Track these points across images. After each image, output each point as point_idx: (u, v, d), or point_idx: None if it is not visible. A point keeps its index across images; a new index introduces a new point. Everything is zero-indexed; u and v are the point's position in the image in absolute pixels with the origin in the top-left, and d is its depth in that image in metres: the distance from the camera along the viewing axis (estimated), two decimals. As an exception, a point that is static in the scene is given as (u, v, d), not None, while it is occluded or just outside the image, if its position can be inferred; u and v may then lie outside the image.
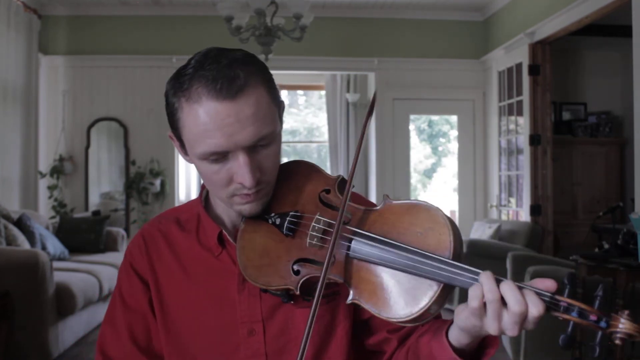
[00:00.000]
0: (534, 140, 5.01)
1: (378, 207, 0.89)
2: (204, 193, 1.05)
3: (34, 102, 5.47)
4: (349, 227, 0.87)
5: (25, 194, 5.33)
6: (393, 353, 0.97)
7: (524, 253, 3.60)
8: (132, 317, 1.00)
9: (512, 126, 5.49)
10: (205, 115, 0.83)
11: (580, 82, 6.45)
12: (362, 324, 1.00)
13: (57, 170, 5.69)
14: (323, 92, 6.92)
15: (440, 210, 0.83)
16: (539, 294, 0.72)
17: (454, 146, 6.74)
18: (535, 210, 5.01)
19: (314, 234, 0.89)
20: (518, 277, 3.07)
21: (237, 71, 0.84)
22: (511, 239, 4.85)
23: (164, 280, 0.99)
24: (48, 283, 3.33)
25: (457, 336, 0.81)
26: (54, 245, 4.42)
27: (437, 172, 7.87)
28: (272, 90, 0.89)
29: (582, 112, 6.37)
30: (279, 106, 0.93)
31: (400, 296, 0.80)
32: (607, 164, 6.18)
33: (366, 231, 0.85)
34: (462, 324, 0.78)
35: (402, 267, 0.80)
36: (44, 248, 4.22)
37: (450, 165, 7.15)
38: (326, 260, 0.83)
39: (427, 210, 0.84)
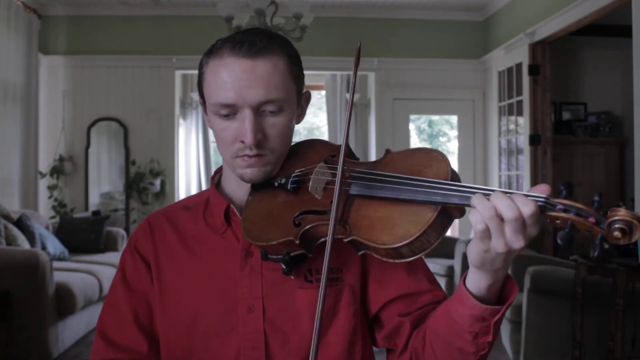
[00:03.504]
0: (534, 140, 5.01)
1: (380, 159, 0.93)
2: (217, 178, 1.09)
3: (34, 102, 5.47)
4: (352, 168, 0.90)
5: (25, 194, 5.33)
6: (407, 342, 0.96)
7: (523, 253, 3.60)
8: (136, 298, 1.01)
9: (512, 126, 5.49)
10: (223, 69, 0.92)
11: (580, 82, 6.45)
12: (374, 320, 1.00)
13: (57, 170, 5.69)
14: (323, 92, 6.92)
15: (440, 152, 0.86)
16: (532, 197, 0.73)
17: (454, 146, 6.74)
18: (535, 210, 5.00)
19: (318, 177, 0.92)
20: (518, 277, 3.08)
21: (261, 37, 0.93)
22: (511, 239, 4.84)
23: (166, 260, 1.01)
24: (48, 283, 3.33)
25: (475, 280, 0.81)
26: (54, 245, 4.43)
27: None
28: (293, 67, 0.96)
29: (582, 112, 6.37)
30: (299, 85, 0.98)
31: (398, 223, 0.80)
32: (607, 164, 6.18)
33: (367, 170, 0.88)
34: (475, 258, 0.78)
35: (399, 196, 0.81)
36: (44, 248, 4.22)
37: (450, 165, 7.15)
38: (335, 195, 0.83)
39: (427, 152, 0.87)
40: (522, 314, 3.03)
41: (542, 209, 0.72)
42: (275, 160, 0.97)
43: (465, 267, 4.59)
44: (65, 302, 3.51)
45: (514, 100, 5.34)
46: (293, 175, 0.96)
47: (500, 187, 5.66)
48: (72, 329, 3.71)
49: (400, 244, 0.78)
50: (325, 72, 6.49)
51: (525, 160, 5.13)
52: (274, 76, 0.91)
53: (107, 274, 4.24)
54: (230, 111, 0.92)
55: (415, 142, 7.17)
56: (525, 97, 5.06)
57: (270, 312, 0.95)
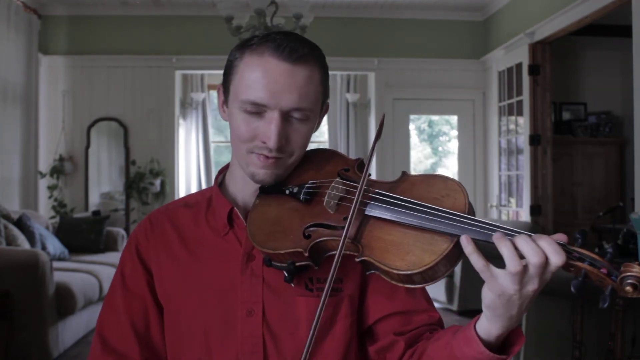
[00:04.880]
0: (534, 140, 5.01)
1: (396, 180, 0.93)
2: (220, 178, 1.08)
3: (34, 102, 5.47)
4: (369, 188, 0.89)
5: (25, 194, 5.33)
6: (400, 359, 0.96)
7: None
8: (132, 300, 1.01)
9: (512, 126, 5.49)
10: (262, 67, 0.90)
11: (580, 82, 6.45)
12: (367, 332, 1.00)
13: (57, 170, 5.69)
14: (323, 92, 6.92)
15: (457, 181, 0.87)
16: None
17: (454, 146, 6.74)
18: (535, 210, 5.01)
19: (333, 193, 0.91)
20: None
21: (303, 44, 0.92)
22: (511, 239, 4.84)
23: (167, 261, 1.01)
24: (48, 283, 3.33)
25: (486, 326, 0.80)
26: (54, 245, 4.42)
27: (438, 172, 7.87)
28: (325, 80, 0.96)
29: (582, 112, 6.37)
30: (324, 98, 0.98)
31: (412, 250, 0.80)
32: (607, 164, 6.18)
33: (385, 192, 0.88)
34: (489, 301, 0.77)
35: (417, 224, 0.81)
36: (44, 248, 4.22)
37: (450, 165, 7.15)
38: (350, 214, 0.84)
39: (445, 181, 0.87)
40: (522, 314, 3.02)
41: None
42: (290, 165, 0.97)
43: (465, 268, 4.59)
44: (65, 302, 3.51)
45: (514, 100, 5.34)
46: (307, 185, 0.95)
47: (500, 187, 5.67)
48: (72, 329, 3.71)
49: (414, 272, 0.78)
50: (325, 72, 6.48)
51: (525, 160, 5.13)
52: (309, 85, 0.91)
53: (107, 274, 4.23)
54: (258, 109, 0.91)
55: (415, 142, 7.17)
56: (525, 97, 5.06)
57: (270, 317, 0.95)
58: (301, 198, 0.93)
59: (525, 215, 5.13)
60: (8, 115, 5.09)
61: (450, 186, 0.86)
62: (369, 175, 0.97)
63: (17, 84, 5.24)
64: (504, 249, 0.73)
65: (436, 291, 4.92)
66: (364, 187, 0.87)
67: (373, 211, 0.86)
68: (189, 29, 5.81)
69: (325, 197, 0.91)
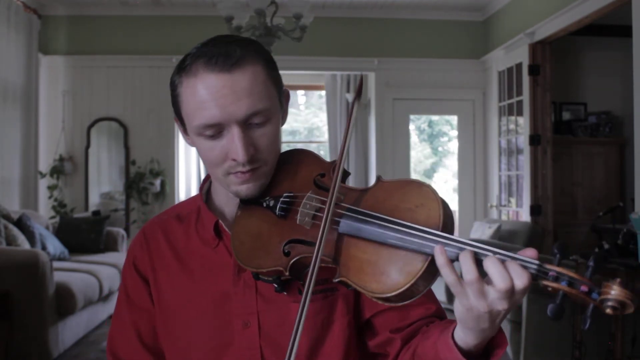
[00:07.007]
0: (534, 140, 5.01)
1: (370, 187, 0.89)
2: (205, 187, 1.06)
3: (34, 102, 5.47)
4: (341, 204, 0.86)
5: (25, 194, 5.33)
6: (397, 355, 0.96)
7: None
8: (138, 314, 1.01)
9: (512, 126, 5.49)
10: (201, 87, 0.86)
11: (580, 82, 6.45)
12: (365, 325, 1.00)
13: (57, 170, 5.69)
14: (323, 92, 6.92)
15: (431, 187, 0.83)
16: (525, 264, 0.70)
17: (454, 146, 6.74)
18: (535, 210, 5.01)
19: (305, 210, 0.88)
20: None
21: (234, 47, 0.87)
22: (511, 239, 4.85)
23: (162, 275, 1.00)
24: (48, 283, 3.33)
25: (462, 336, 0.79)
26: (54, 245, 4.43)
27: (438, 172, 7.87)
28: (271, 71, 0.92)
29: (582, 112, 6.37)
30: (279, 88, 0.94)
31: (387, 271, 0.78)
32: (607, 164, 6.18)
33: (356, 208, 0.85)
34: (458, 315, 0.76)
35: (390, 242, 0.79)
36: (44, 248, 4.22)
37: (450, 165, 7.15)
38: (319, 237, 0.81)
39: (419, 187, 0.83)
40: (522, 314, 3.03)
41: (534, 277, 0.70)
42: (269, 171, 0.94)
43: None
44: (65, 302, 3.51)
45: (514, 100, 5.34)
46: (281, 200, 0.91)
47: (500, 187, 5.67)
48: (72, 329, 3.71)
49: (389, 295, 0.77)
50: (325, 72, 6.48)
51: (525, 160, 5.13)
52: (255, 86, 0.87)
53: (107, 274, 4.23)
54: (216, 130, 0.87)
55: (415, 142, 7.17)
56: (525, 97, 5.06)
57: (266, 327, 0.94)
58: (277, 213, 0.91)
59: (525, 215, 5.13)
60: (8, 115, 5.09)
61: (425, 194, 0.82)
62: (349, 174, 0.95)
63: (17, 84, 5.24)
64: (464, 266, 0.72)
65: (436, 291, 4.87)
66: (335, 202, 0.84)
67: (346, 228, 0.83)
68: (189, 29, 5.80)
69: (299, 214, 0.89)
